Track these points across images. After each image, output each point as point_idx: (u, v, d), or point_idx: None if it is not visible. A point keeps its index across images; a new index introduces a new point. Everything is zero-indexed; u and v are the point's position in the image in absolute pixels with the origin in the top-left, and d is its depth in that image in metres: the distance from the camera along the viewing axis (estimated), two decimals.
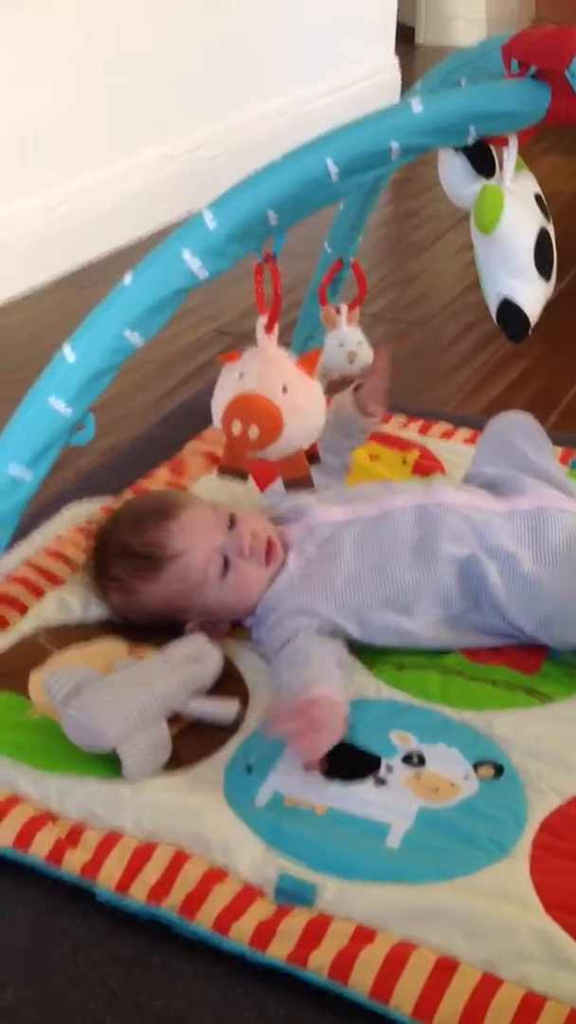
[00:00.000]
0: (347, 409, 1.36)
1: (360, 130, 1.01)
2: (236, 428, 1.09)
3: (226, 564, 1.18)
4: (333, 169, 1.00)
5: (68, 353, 1.00)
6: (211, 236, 0.99)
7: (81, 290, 2.21)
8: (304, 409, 1.10)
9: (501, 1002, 0.83)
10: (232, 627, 1.23)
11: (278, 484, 1.22)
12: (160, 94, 2.46)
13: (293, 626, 1.16)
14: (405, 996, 0.85)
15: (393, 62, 3.29)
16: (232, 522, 1.20)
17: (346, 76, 3.07)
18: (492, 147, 1.12)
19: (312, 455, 1.19)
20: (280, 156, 1.02)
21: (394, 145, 1.01)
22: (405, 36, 3.90)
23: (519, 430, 1.37)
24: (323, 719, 1.03)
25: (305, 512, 1.25)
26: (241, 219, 0.99)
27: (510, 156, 1.11)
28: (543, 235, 1.13)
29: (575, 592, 1.15)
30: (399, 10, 3.29)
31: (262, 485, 1.33)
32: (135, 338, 1.00)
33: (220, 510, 1.21)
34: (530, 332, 1.15)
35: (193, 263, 0.99)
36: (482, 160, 1.11)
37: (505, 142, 1.10)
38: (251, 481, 1.22)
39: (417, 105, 1.01)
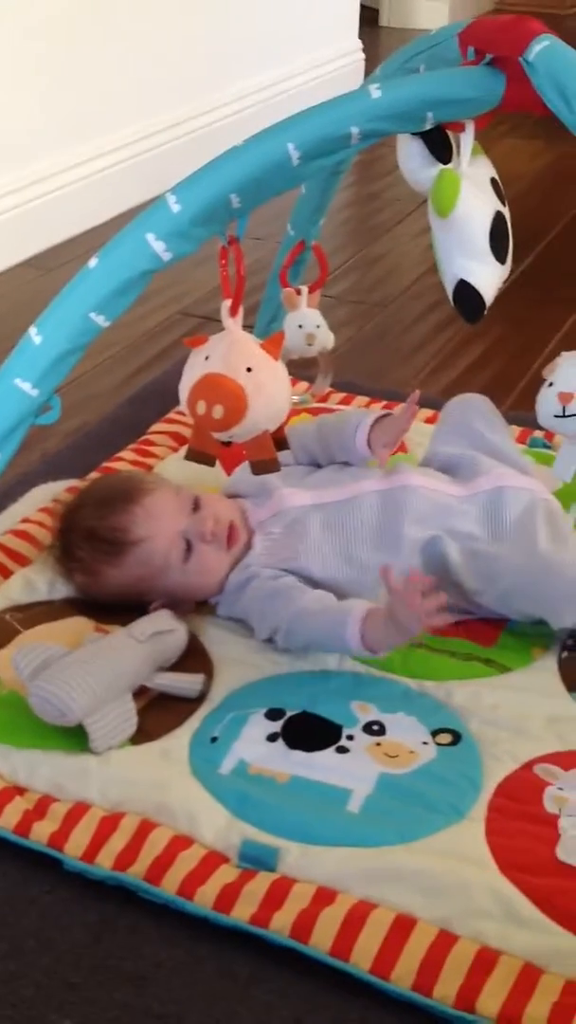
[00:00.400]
0: (346, 433, 1.32)
1: (321, 115, 1.04)
2: (201, 408, 1.11)
3: (188, 548, 1.20)
4: (295, 153, 1.02)
5: (34, 335, 1.02)
6: (175, 219, 1.01)
7: (46, 272, 2.22)
8: (269, 389, 1.12)
9: (457, 957, 0.87)
10: (196, 606, 1.25)
11: (244, 466, 1.24)
12: (125, 77, 2.47)
13: (273, 574, 1.19)
14: (364, 953, 0.88)
15: (357, 45, 3.31)
16: (196, 506, 1.22)
17: (310, 59, 3.08)
18: (449, 132, 1.14)
19: (279, 440, 1.21)
20: (243, 140, 1.04)
21: (354, 130, 1.03)
22: (369, 19, 3.91)
23: (476, 411, 1.40)
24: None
25: (271, 495, 1.27)
26: (204, 202, 1.01)
27: (466, 141, 1.13)
28: (498, 218, 1.16)
29: (532, 565, 1.19)
30: None
31: (228, 469, 1.35)
32: (101, 320, 1.02)
33: (184, 493, 1.23)
34: (485, 313, 1.18)
35: (157, 246, 1.01)
36: (439, 145, 1.14)
37: (462, 128, 1.12)
38: (219, 464, 1.24)
39: (376, 91, 1.04)
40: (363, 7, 3.36)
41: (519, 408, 1.72)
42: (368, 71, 3.27)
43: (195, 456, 1.19)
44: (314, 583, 1.20)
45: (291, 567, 1.21)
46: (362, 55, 3.32)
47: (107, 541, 1.20)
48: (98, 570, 1.21)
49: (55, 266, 2.23)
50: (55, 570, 1.27)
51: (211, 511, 1.22)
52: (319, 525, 1.23)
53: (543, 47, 1.02)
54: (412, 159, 1.16)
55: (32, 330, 1.03)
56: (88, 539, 1.21)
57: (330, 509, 1.25)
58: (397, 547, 1.21)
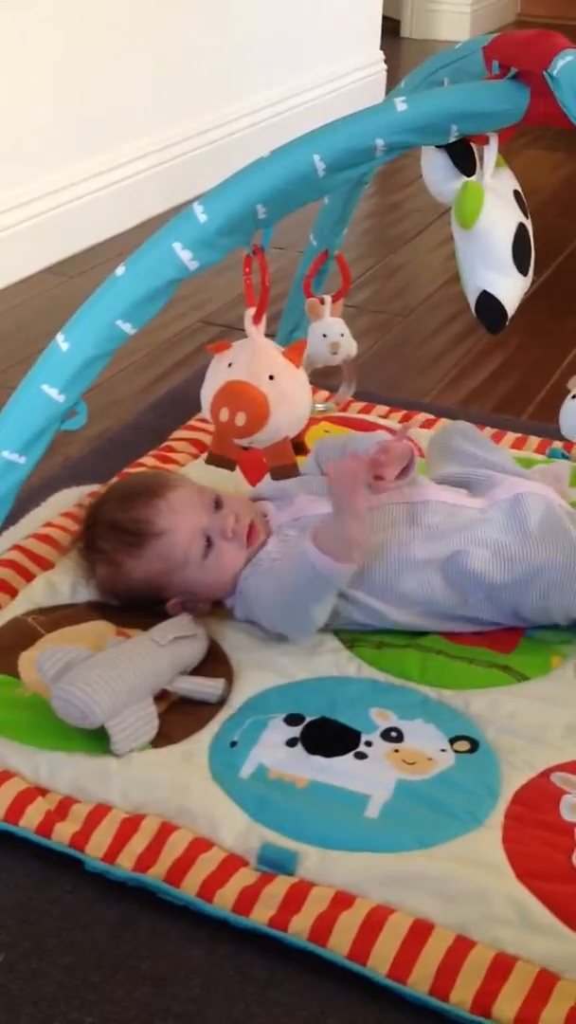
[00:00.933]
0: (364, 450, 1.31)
1: (346, 127, 1.05)
2: (224, 415, 1.13)
3: (209, 545, 1.21)
4: (320, 165, 1.03)
5: (61, 342, 1.04)
6: (201, 229, 1.03)
7: (69, 279, 2.24)
8: (291, 397, 1.14)
9: (473, 962, 0.88)
10: (213, 606, 1.26)
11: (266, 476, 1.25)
12: (148, 86, 2.49)
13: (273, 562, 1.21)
14: (381, 958, 0.89)
15: (379, 56, 3.32)
16: (218, 504, 1.24)
17: (332, 70, 3.10)
18: (473, 145, 1.15)
19: (298, 444, 1.22)
20: (268, 152, 1.05)
21: (379, 142, 1.04)
22: (391, 30, 3.92)
23: (455, 434, 1.40)
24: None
25: (292, 501, 1.28)
26: (231, 213, 1.03)
27: (490, 154, 1.14)
28: (521, 230, 1.17)
29: (571, 559, 1.19)
30: (384, 4, 3.32)
31: (252, 480, 1.36)
32: (127, 327, 1.03)
33: (207, 491, 1.25)
34: (507, 324, 1.19)
35: (184, 255, 1.02)
36: (463, 157, 1.15)
37: (486, 140, 1.13)
38: (238, 470, 1.25)
39: (401, 104, 1.05)
40: (385, 18, 3.38)
41: (539, 418, 1.73)
42: (390, 82, 3.29)
43: (216, 460, 1.21)
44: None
45: None
46: (384, 66, 3.34)
47: (130, 532, 1.21)
48: (120, 561, 1.23)
49: (78, 273, 2.25)
50: (79, 566, 1.29)
51: (232, 509, 1.23)
52: None
53: (567, 62, 1.03)
54: (436, 171, 1.17)
55: (59, 336, 1.05)
56: (112, 530, 1.23)
57: None
58: (418, 561, 1.21)
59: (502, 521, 1.25)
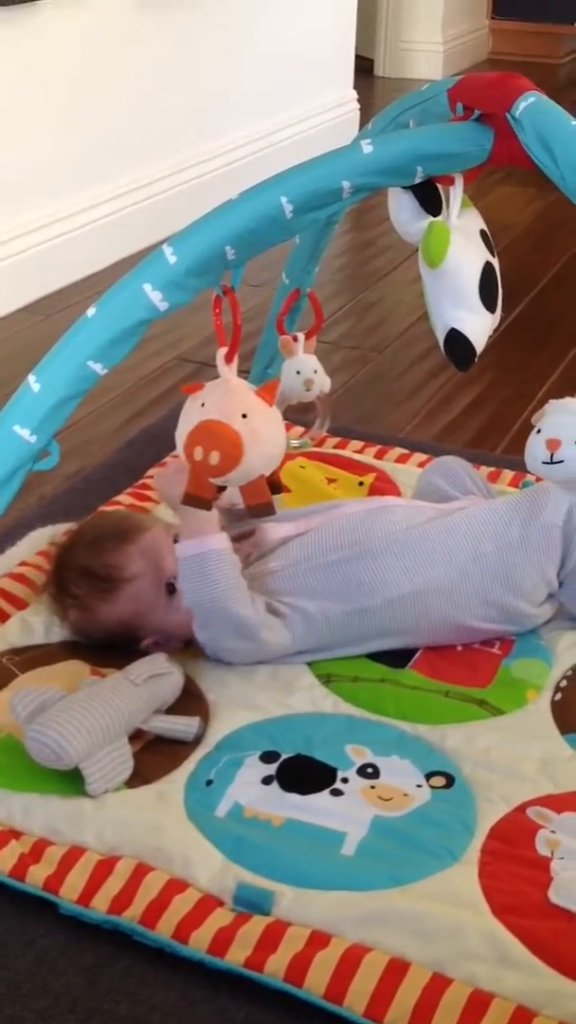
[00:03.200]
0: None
1: (312, 170, 1.06)
2: (198, 454, 1.13)
3: (174, 588, 1.22)
4: (287, 207, 1.05)
5: (32, 382, 1.04)
6: (171, 270, 1.04)
7: (45, 317, 2.25)
8: (264, 436, 1.14)
9: (450, 1000, 0.87)
10: (186, 644, 1.26)
11: (237, 496, 1.27)
12: (121, 129, 2.51)
13: None
14: (358, 996, 0.88)
15: (352, 95, 3.36)
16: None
17: (305, 109, 3.13)
18: (439, 186, 1.17)
19: (274, 483, 1.23)
20: (237, 194, 1.06)
21: (345, 184, 1.06)
22: (364, 68, 3.98)
23: (435, 471, 1.46)
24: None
25: (254, 531, 1.31)
26: (200, 254, 1.04)
27: (456, 194, 1.16)
28: (488, 269, 1.18)
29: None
30: (358, 43, 3.36)
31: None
32: (98, 368, 1.04)
33: (174, 529, 1.26)
34: (475, 361, 1.20)
35: (154, 296, 1.03)
36: (429, 198, 1.17)
37: (451, 181, 1.15)
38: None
39: (367, 146, 1.07)
40: (358, 57, 3.42)
41: (512, 452, 1.74)
42: (363, 120, 3.33)
43: (192, 500, 1.21)
44: (295, 608, 1.23)
45: (269, 598, 1.23)
46: (357, 105, 3.38)
47: (101, 578, 1.22)
48: (93, 607, 1.23)
49: (54, 312, 2.26)
50: (50, 608, 1.29)
51: None
52: (296, 544, 1.27)
53: (529, 104, 1.05)
54: (403, 212, 1.18)
55: (31, 377, 1.05)
56: (84, 576, 1.24)
57: (309, 534, 1.29)
58: (380, 550, 1.24)
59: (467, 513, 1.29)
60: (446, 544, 1.25)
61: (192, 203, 2.51)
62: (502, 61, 4.51)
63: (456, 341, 1.17)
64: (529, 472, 1.17)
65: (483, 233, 1.20)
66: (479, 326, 1.18)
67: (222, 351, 1.18)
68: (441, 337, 1.19)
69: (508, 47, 4.59)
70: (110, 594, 1.22)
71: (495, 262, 1.20)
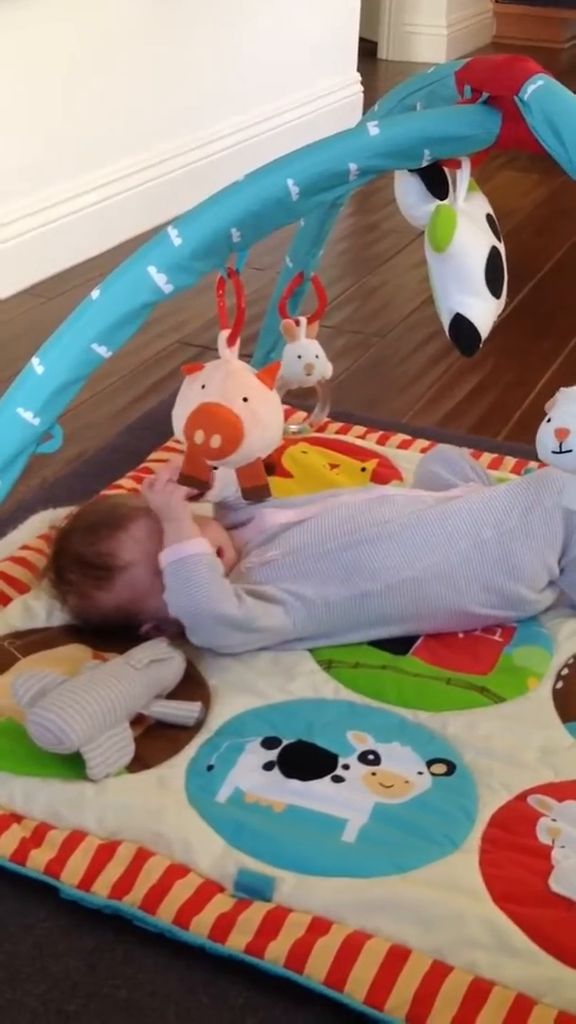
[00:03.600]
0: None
1: (319, 152, 1.06)
2: (199, 437, 1.12)
3: None
4: (294, 189, 1.04)
5: (36, 365, 1.04)
6: (176, 252, 1.03)
7: (47, 300, 2.24)
8: (264, 419, 1.14)
9: (450, 987, 0.87)
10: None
11: (228, 491, 1.26)
12: (125, 108, 2.50)
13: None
14: (358, 983, 0.88)
15: (356, 77, 3.34)
16: None
17: (309, 92, 3.11)
18: (446, 169, 1.16)
19: (270, 465, 1.22)
20: (243, 176, 1.06)
21: (352, 167, 1.05)
22: (368, 51, 3.95)
23: (434, 460, 1.45)
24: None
25: (254, 516, 1.30)
26: (205, 236, 1.03)
27: (463, 178, 1.15)
28: (494, 254, 1.18)
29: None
30: (361, 26, 3.34)
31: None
32: (102, 351, 1.03)
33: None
34: (480, 346, 1.19)
35: (159, 278, 1.03)
36: (436, 181, 1.16)
37: (458, 164, 1.14)
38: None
39: (374, 128, 1.06)
40: (362, 40, 3.40)
41: (515, 439, 1.74)
42: (367, 104, 3.31)
43: (187, 481, 1.21)
44: (295, 595, 1.22)
45: (268, 585, 1.23)
46: (361, 88, 3.36)
47: (95, 566, 1.22)
48: (89, 594, 1.24)
49: (56, 295, 2.25)
50: (51, 592, 1.29)
51: None
52: (301, 530, 1.26)
53: (537, 87, 1.04)
54: (409, 195, 1.17)
55: (34, 360, 1.05)
56: (78, 564, 1.24)
57: (314, 520, 1.28)
58: (384, 534, 1.24)
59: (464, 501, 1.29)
60: (446, 530, 1.25)
61: (193, 186, 2.50)
62: (506, 45, 4.48)
63: (461, 326, 1.17)
64: (539, 459, 1.17)
65: (489, 218, 1.19)
66: (484, 311, 1.17)
67: (224, 333, 1.18)
68: (446, 322, 1.18)
69: (512, 31, 4.56)
70: (105, 582, 1.22)
71: (501, 247, 1.19)
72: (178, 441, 1.56)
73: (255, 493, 1.17)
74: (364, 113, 3.23)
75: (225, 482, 1.27)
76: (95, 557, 1.22)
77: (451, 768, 1.09)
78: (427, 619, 1.26)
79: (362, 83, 3.37)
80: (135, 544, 1.22)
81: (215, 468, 1.16)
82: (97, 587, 1.23)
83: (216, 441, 1.10)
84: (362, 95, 3.36)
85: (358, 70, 3.36)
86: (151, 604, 1.22)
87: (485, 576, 1.24)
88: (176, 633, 1.24)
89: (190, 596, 1.17)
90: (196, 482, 1.15)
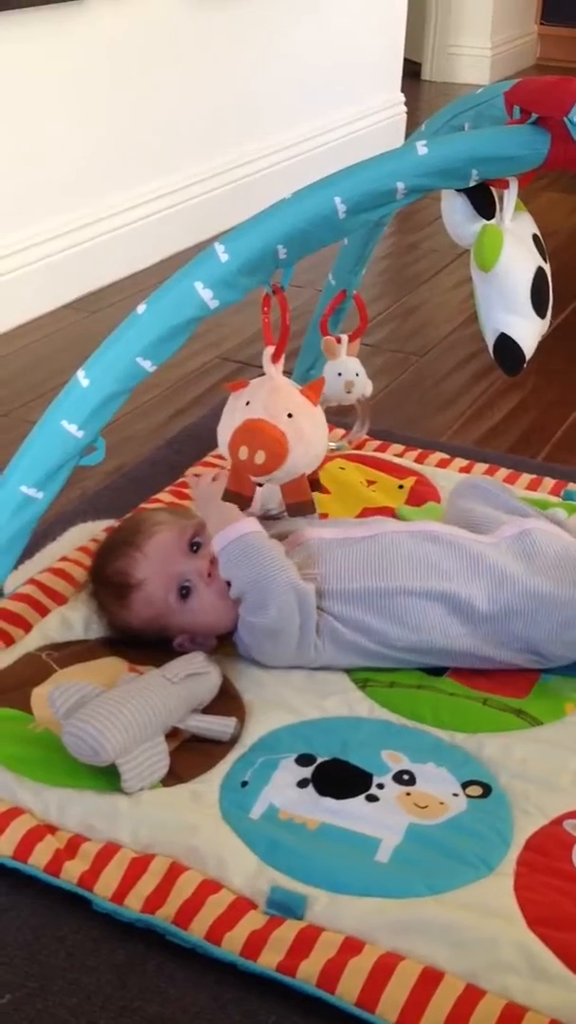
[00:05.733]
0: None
1: (367, 170, 1.06)
2: (243, 453, 1.13)
3: (187, 589, 1.22)
4: (341, 207, 1.04)
5: (82, 378, 1.04)
6: (223, 268, 1.03)
7: (89, 314, 2.26)
8: (309, 436, 1.14)
9: (483, 1012, 0.86)
10: (220, 641, 1.26)
11: (269, 504, 1.26)
12: (171, 125, 2.52)
13: None
14: (390, 1005, 0.88)
15: (400, 98, 3.35)
16: (198, 545, 1.24)
17: (353, 112, 3.13)
18: (493, 189, 1.16)
19: (313, 481, 1.22)
20: (290, 194, 1.06)
21: (399, 185, 1.05)
22: (412, 72, 3.97)
23: (467, 495, 1.40)
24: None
25: (293, 530, 1.29)
26: (252, 253, 1.04)
27: (510, 198, 1.15)
28: (540, 274, 1.17)
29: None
30: (406, 47, 3.35)
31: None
32: (147, 365, 1.04)
33: (188, 531, 1.24)
34: (524, 366, 1.19)
35: (205, 294, 1.03)
36: (483, 201, 1.16)
37: (506, 184, 1.14)
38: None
39: (422, 148, 1.06)
40: (406, 60, 3.41)
41: (554, 460, 1.73)
42: (410, 124, 3.33)
43: (231, 497, 1.21)
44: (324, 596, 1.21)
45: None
46: (404, 108, 3.37)
47: (113, 584, 1.24)
48: (115, 611, 1.25)
49: (98, 309, 2.27)
50: (89, 604, 1.30)
51: (210, 551, 1.23)
52: (342, 553, 1.24)
53: None
54: (456, 214, 1.17)
55: (80, 373, 1.05)
56: (101, 583, 1.26)
57: (354, 542, 1.26)
58: (424, 581, 1.21)
59: (507, 553, 1.24)
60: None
61: (236, 204, 2.52)
62: (550, 67, 4.48)
63: (505, 346, 1.16)
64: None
65: (535, 238, 1.19)
66: (529, 331, 1.17)
67: (269, 350, 1.18)
68: (491, 341, 1.18)
69: (556, 53, 4.56)
70: (124, 599, 1.23)
71: (547, 267, 1.19)
72: (219, 456, 1.57)
73: (300, 509, 1.17)
74: (407, 133, 3.25)
75: (265, 496, 1.27)
76: (113, 576, 1.24)
77: (487, 790, 1.08)
78: (458, 660, 1.24)
79: (406, 104, 3.38)
80: (147, 562, 1.22)
81: (260, 484, 1.16)
82: (119, 605, 1.24)
83: (261, 457, 1.10)
84: (406, 115, 3.37)
85: (402, 91, 3.37)
86: (174, 621, 1.23)
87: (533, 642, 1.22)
88: (210, 646, 1.24)
89: (255, 566, 1.18)
90: (240, 498, 1.15)
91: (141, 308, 1.05)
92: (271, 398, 1.13)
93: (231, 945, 0.93)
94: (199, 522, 1.26)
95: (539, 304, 1.17)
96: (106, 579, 1.25)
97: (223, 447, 1.18)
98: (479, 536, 1.28)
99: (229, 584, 1.20)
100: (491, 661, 1.22)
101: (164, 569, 1.22)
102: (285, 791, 1.07)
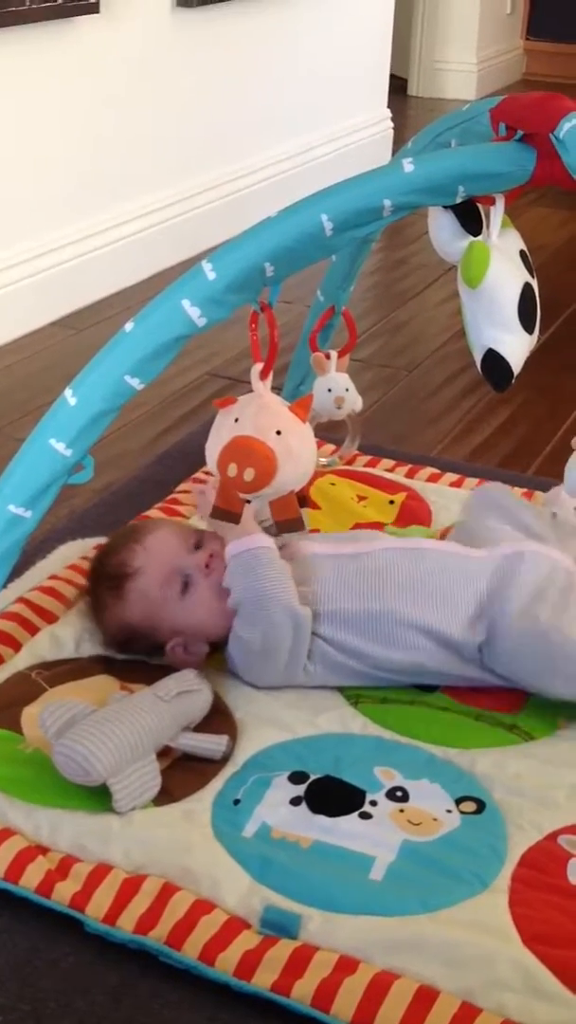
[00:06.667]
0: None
1: (354, 188, 1.06)
2: (232, 470, 1.13)
3: (187, 583, 1.22)
4: (328, 225, 1.04)
5: (69, 396, 1.04)
6: (210, 286, 1.03)
7: (76, 332, 2.25)
8: (297, 452, 1.14)
9: None
10: (212, 652, 1.25)
11: (259, 517, 1.26)
12: (157, 142, 2.52)
13: None
14: None
15: (386, 114, 3.37)
16: (198, 544, 1.25)
17: (340, 128, 3.14)
18: (479, 205, 1.17)
19: (302, 497, 1.22)
20: (277, 211, 1.06)
21: (386, 203, 1.06)
22: (398, 88, 3.98)
23: (483, 507, 1.39)
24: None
25: (285, 545, 1.29)
26: (239, 270, 1.04)
27: (496, 214, 1.15)
28: (527, 290, 1.18)
29: (532, 631, 1.17)
30: (392, 62, 3.37)
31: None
32: (135, 383, 1.04)
33: (190, 533, 1.26)
34: (513, 382, 1.19)
35: (192, 311, 1.03)
36: (470, 218, 1.16)
37: (492, 201, 1.15)
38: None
39: (409, 165, 1.06)
40: (392, 76, 3.43)
41: (544, 474, 1.73)
42: (397, 139, 3.34)
43: (220, 514, 1.21)
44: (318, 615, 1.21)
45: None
46: (391, 124, 3.39)
47: (110, 576, 1.24)
48: (108, 605, 1.25)
49: (84, 327, 2.27)
50: (82, 622, 1.30)
51: (212, 547, 1.24)
52: (333, 567, 1.24)
53: (573, 124, 1.04)
54: (443, 231, 1.18)
55: (67, 391, 1.05)
56: (98, 578, 1.27)
57: (346, 558, 1.26)
58: (411, 600, 1.21)
59: (495, 573, 1.23)
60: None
61: (224, 221, 2.52)
62: (536, 82, 4.51)
63: (494, 362, 1.17)
64: (567, 494, 1.16)
65: (523, 254, 1.20)
66: (517, 347, 1.17)
67: (257, 367, 1.19)
68: (479, 357, 1.18)
69: (542, 68, 4.59)
70: (119, 590, 1.24)
71: (534, 283, 1.19)
72: (207, 472, 1.57)
73: (289, 526, 1.17)
74: (394, 149, 3.27)
75: (255, 509, 1.27)
76: (110, 568, 1.25)
77: (480, 806, 1.08)
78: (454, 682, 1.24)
79: (392, 119, 3.40)
80: (145, 552, 1.24)
81: (248, 502, 1.16)
82: (114, 597, 1.24)
83: (249, 474, 1.10)
84: (392, 131, 3.38)
85: (388, 106, 3.39)
86: (168, 617, 1.22)
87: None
88: (202, 654, 1.24)
89: (259, 580, 1.18)
90: (229, 515, 1.15)
91: (129, 326, 1.04)
92: (260, 415, 1.13)
93: (225, 965, 0.92)
94: (204, 531, 1.27)
95: (527, 320, 1.17)
96: (104, 572, 1.26)
97: (212, 464, 1.18)
98: (473, 552, 1.27)
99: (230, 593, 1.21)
100: (482, 682, 1.22)
101: (163, 561, 1.23)
102: (278, 809, 1.07)
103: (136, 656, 1.27)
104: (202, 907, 0.97)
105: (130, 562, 1.23)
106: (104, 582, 1.26)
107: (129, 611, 1.24)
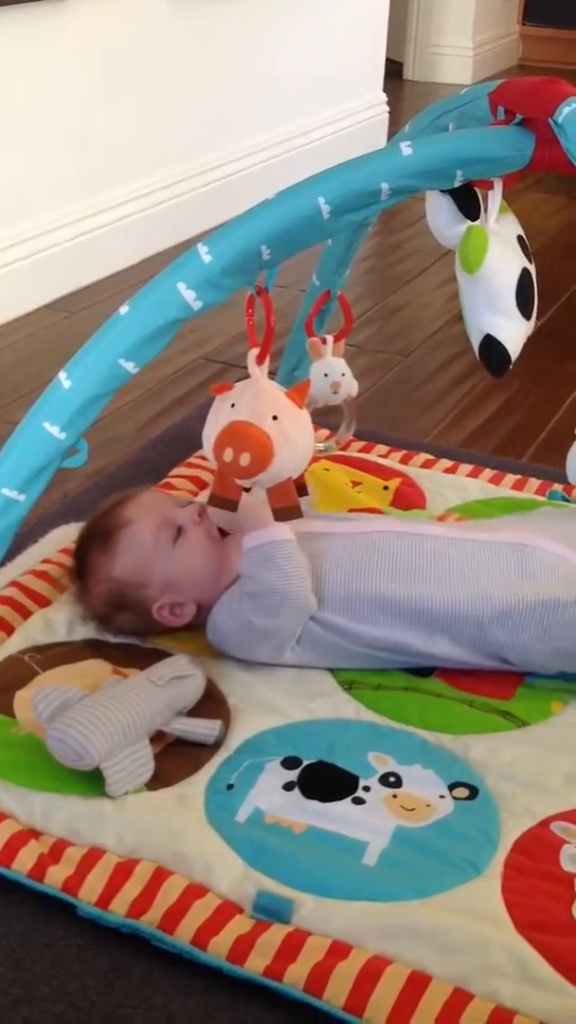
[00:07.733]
0: None
1: (351, 171, 1.05)
2: (228, 455, 1.12)
3: (178, 533, 1.23)
4: (325, 208, 1.04)
5: (63, 380, 1.03)
6: (206, 269, 1.03)
7: (70, 315, 2.24)
8: (294, 438, 1.13)
9: (471, 1016, 0.86)
10: (198, 614, 1.25)
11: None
12: (153, 125, 2.51)
13: None
14: (378, 1009, 0.87)
15: (382, 98, 3.35)
16: (189, 503, 1.28)
17: (337, 111, 3.12)
18: (477, 190, 1.16)
19: (300, 486, 1.22)
20: (274, 194, 1.06)
21: (384, 186, 1.05)
22: (394, 72, 3.96)
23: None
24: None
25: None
26: (235, 253, 1.03)
27: (494, 199, 1.15)
28: (525, 275, 1.17)
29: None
30: (388, 46, 3.35)
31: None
32: (130, 366, 1.03)
33: (180, 497, 1.29)
34: (510, 367, 1.19)
35: (188, 295, 1.03)
36: (467, 202, 1.15)
37: (490, 185, 1.14)
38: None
39: (407, 148, 1.06)
40: (388, 60, 3.41)
41: (540, 460, 1.73)
42: (392, 123, 3.33)
43: (217, 501, 1.21)
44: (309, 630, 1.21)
45: None
46: (387, 108, 3.37)
47: (102, 531, 1.25)
48: (96, 565, 1.25)
49: (77, 310, 2.26)
50: (74, 605, 1.29)
51: (201, 505, 1.26)
52: (328, 545, 1.25)
53: (572, 109, 1.04)
54: (441, 215, 1.17)
55: (61, 375, 1.05)
56: (88, 537, 1.27)
57: (342, 537, 1.26)
58: (408, 582, 1.21)
59: (497, 558, 1.23)
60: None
61: (219, 204, 2.51)
62: (532, 67, 4.49)
63: (491, 347, 1.16)
64: (566, 480, 1.16)
65: (520, 239, 1.19)
66: (515, 332, 1.17)
67: (253, 352, 1.18)
68: (476, 343, 1.18)
69: (538, 53, 4.57)
70: (109, 544, 1.24)
71: (532, 268, 1.19)
72: (203, 457, 1.56)
73: (286, 514, 1.16)
74: (389, 133, 3.25)
75: (264, 497, 1.26)
76: (101, 524, 1.26)
77: (473, 792, 1.08)
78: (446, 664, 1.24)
79: (388, 103, 3.38)
80: (136, 506, 1.26)
81: (246, 489, 1.15)
82: (103, 553, 1.24)
83: (245, 460, 1.10)
84: (388, 115, 3.37)
85: (384, 90, 3.37)
86: (158, 570, 1.22)
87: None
88: (190, 614, 1.24)
89: (283, 574, 1.18)
90: (226, 502, 1.15)
91: (123, 309, 1.04)
92: (256, 400, 1.12)
93: (217, 950, 0.92)
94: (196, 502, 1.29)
95: (524, 305, 1.17)
96: (95, 531, 1.27)
97: (208, 450, 1.17)
98: (471, 534, 1.27)
99: (240, 580, 1.21)
100: (474, 665, 1.22)
101: (156, 512, 1.24)
102: (271, 794, 1.07)
103: (126, 638, 1.26)
104: (195, 891, 0.97)
105: (122, 514, 1.25)
106: (93, 541, 1.26)
107: (119, 564, 1.23)
